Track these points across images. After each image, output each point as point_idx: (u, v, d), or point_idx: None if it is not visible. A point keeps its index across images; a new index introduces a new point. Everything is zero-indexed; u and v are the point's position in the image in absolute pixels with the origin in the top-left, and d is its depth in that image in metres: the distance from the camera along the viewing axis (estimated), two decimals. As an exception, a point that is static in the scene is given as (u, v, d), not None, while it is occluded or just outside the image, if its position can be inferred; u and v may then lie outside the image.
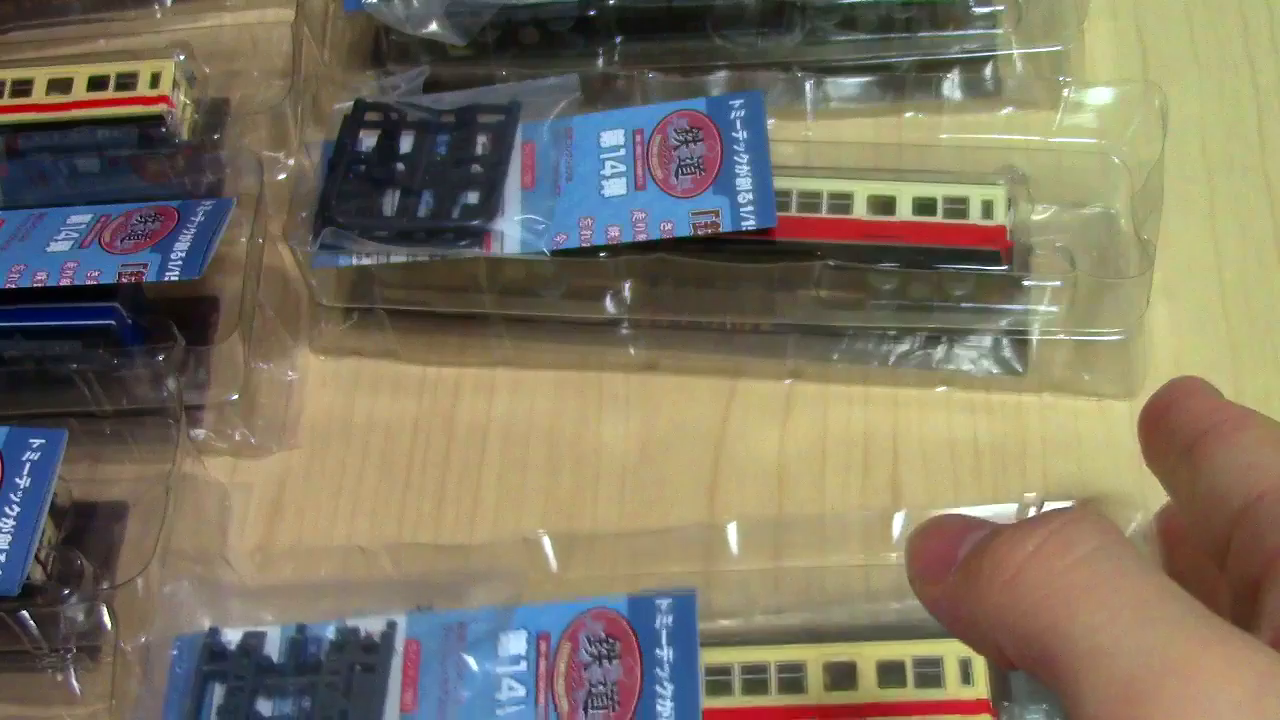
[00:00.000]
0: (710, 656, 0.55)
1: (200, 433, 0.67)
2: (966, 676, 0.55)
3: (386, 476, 0.67)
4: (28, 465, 0.59)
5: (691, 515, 0.65)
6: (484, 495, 0.66)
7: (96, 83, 0.73)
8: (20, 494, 0.59)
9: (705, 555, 0.61)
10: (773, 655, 0.56)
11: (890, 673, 0.55)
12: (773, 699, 0.55)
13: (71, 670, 0.61)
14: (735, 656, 0.56)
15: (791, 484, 0.65)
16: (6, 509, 0.58)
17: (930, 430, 0.66)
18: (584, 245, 0.66)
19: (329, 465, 0.68)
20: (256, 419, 0.68)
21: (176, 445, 0.63)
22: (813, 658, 0.55)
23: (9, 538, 0.58)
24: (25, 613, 0.58)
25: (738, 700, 0.55)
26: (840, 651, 0.56)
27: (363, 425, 0.69)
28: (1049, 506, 0.60)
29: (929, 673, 0.55)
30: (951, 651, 0.55)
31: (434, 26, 0.73)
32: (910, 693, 0.54)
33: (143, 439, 0.65)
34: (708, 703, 0.54)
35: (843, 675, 0.55)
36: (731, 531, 0.61)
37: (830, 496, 0.65)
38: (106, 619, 0.60)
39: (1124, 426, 0.66)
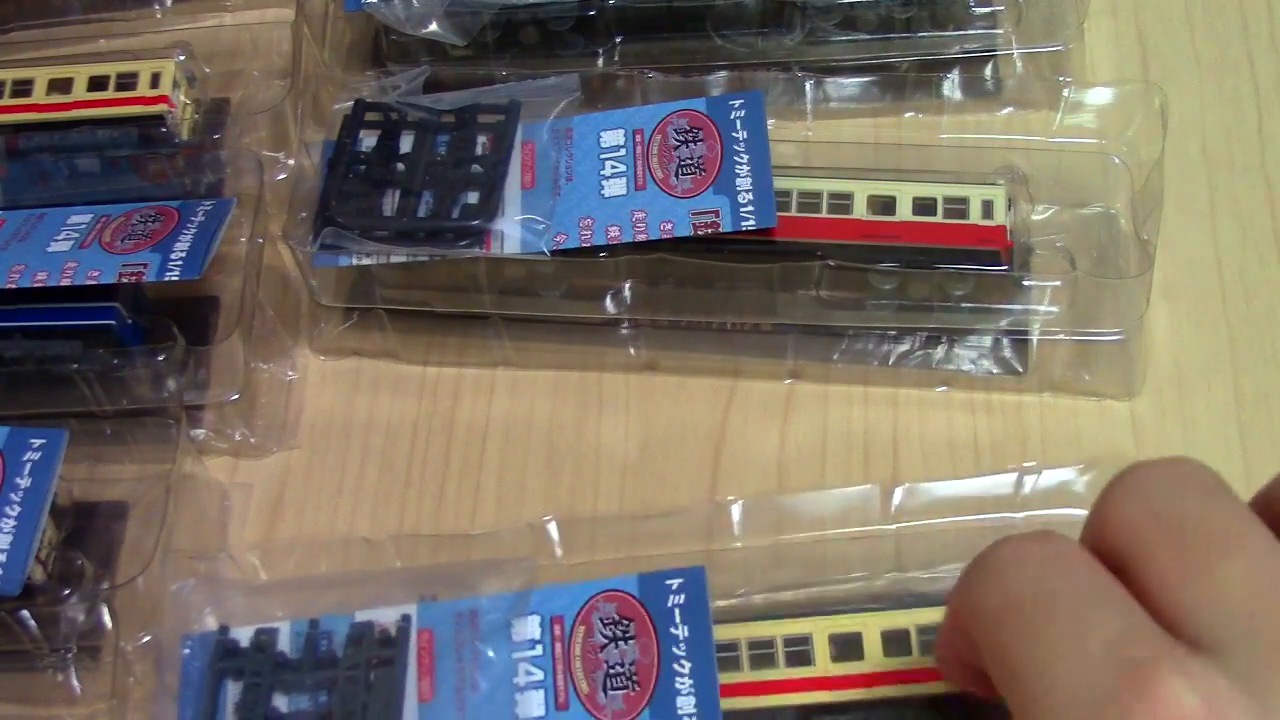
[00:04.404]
0: (717, 633, 0.56)
1: (200, 433, 0.67)
2: None
3: (386, 476, 0.67)
4: (28, 465, 0.59)
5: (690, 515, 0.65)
6: (484, 495, 0.66)
7: (96, 83, 0.73)
8: (21, 494, 0.59)
9: (707, 535, 0.61)
10: (778, 629, 0.56)
11: (895, 642, 0.55)
12: (781, 672, 0.55)
13: (72, 670, 0.60)
14: (741, 632, 0.56)
15: (791, 484, 0.65)
16: (7, 509, 0.58)
17: (930, 430, 0.66)
18: (584, 245, 0.66)
19: (329, 465, 0.68)
20: (256, 419, 0.68)
21: (176, 445, 0.63)
22: (818, 630, 0.56)
23: (10, 538, 0.58)
24: (26, 612, 0.58)
25: (746, 675, 0.55)
26: (844, 623, 0.56)
27: (363, 425, 0.69)
28: (1047, 474, 0.61)
29: (933, 640, 0.55)
30: None
31: (434, 26, 0.73)
32: (916, 660, 0.55)
33: (143, 439, 0.65)
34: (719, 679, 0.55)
35: (849, 646, 0.55)
36: (735, 511, 0.61)
37: (830, 496, 0.65)
38: (107, 619, 0.60)
39: (1124, 427, 0.66)
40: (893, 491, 0.61)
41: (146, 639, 0.59)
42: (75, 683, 0.61)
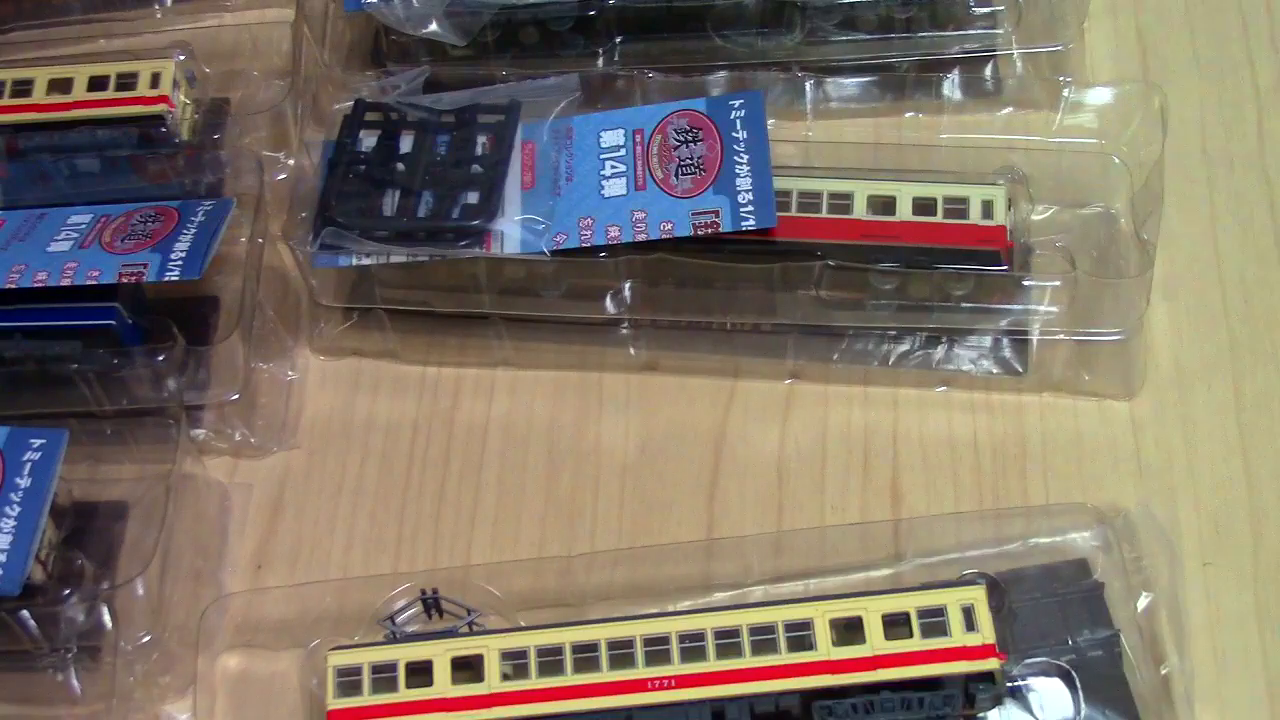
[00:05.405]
0: (716, 620, 0.56)
1: (200, 433, 0.67)
2: (971, 623, 0.55)
3: (386, 476, 0.67)
4: (28, 465, 0.59)
5: (691, 515, 0.65)
6: (484, 495, 0.66)
7: (97, 83, 0.73)
8: (21, 494, 0.59)
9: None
10: (779, 615, 0.56)
11: (896, 625, 0.55)
12: (782, 658, 0.55)
13: (71, 670, 0.60)
14: (742, 619, 0.56)
15: (791, 484, 0.65)
16: (7, 509, 0.58)
17: (930, 430, 0.66)
18: (584, 245, 0.66)
19: (329, 465, 0.68)
20: (256, 419, 0.68)
21: (176, 445, 0.63)
22: (818, 614, 0.56)
23: (10, 538, 0.58)
24: (26, 612, 0.58)
25: (748, 661, 0.55)
26: (845, 607, 0.56)
27: (363, 425, 0.69)
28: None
29: (934, 622, 0.55)
30: (954, 600, 0.56)
31: (434, 26, 0.73)
32: (917, 643, 0.55)
33: (143, 439, 0.65)
34: (720, 663, 0.55)
35: (850, 630, 0.56)
36: None
37: (830, 496, 0.65)
38: (107, 619, 0.60)
39: (1124, 426, 0.66)
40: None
41: (146, 639, 0.59)
42: (75, 683, 0.61)
